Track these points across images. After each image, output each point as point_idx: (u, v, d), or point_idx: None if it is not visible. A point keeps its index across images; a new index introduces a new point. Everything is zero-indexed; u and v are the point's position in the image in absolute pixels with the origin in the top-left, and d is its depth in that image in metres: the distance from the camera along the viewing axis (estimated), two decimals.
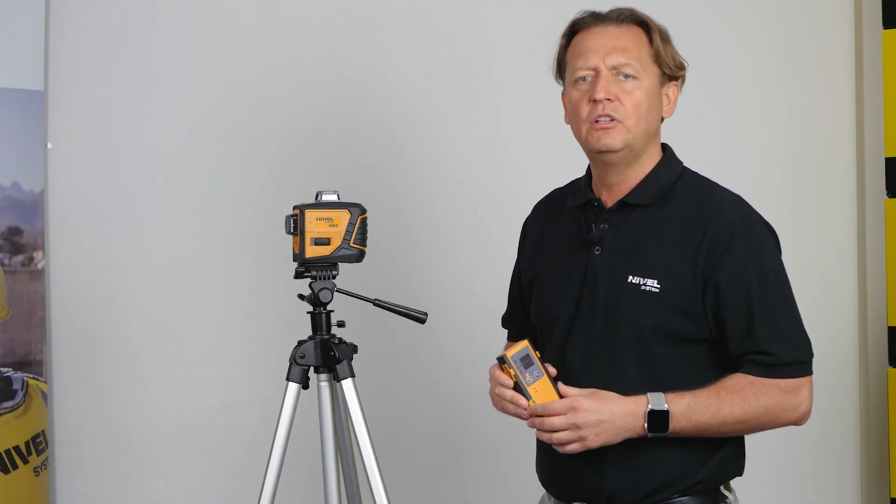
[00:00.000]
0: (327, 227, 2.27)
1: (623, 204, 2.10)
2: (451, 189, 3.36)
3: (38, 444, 3.15)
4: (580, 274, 2.10)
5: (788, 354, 2.01)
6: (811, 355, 2.05)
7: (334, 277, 2.30)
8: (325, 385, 2.34)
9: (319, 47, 3.33)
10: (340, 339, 2.33)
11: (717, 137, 3.37)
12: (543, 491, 2.21)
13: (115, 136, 3.30)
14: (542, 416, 1.98)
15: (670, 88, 2.13)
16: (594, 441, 1.97)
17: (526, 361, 2.01)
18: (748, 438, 2.12)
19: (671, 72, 2.11)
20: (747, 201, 2.11)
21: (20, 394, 3.11)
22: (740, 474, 2.13)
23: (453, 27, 3.37)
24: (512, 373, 2.00)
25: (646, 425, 1.96)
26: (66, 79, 3.27)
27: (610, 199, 2.12)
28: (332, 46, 3.34)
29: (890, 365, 3.08)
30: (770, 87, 3.41)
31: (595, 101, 2.05)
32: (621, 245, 2.07)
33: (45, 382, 3.20)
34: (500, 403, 2.05)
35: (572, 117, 2.12)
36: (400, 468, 3.03)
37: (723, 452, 2.07)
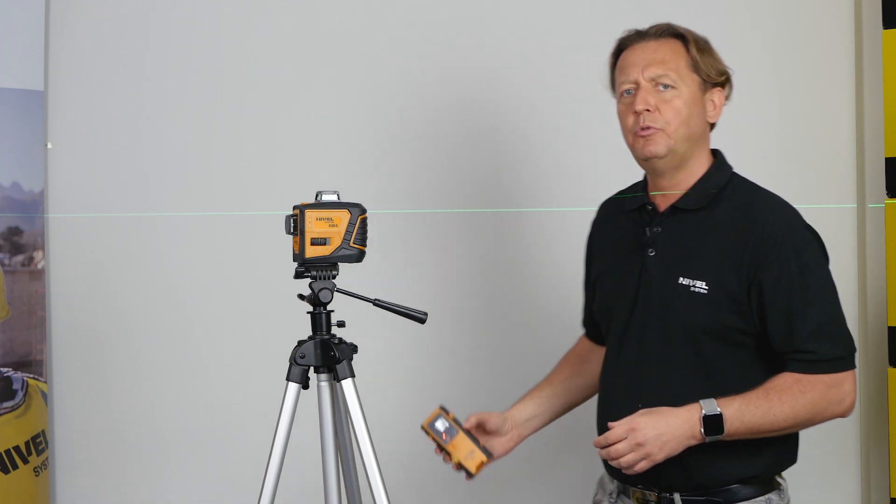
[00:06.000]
0: (327, 227, 2.27)
1: (674, 208, 2.21)
2: (451, 189, 3.36)
3: (38, 444, 3.15)
4: (636, 275, 2.21)
5: (829, 351, 2.11)
6: (852, 350, 2.16)
7: (334, 277, 2.30)
8: (325, 385, 2.34)
9: (319, 46, 3.33)
10: (340, 339, 2.33)
11: (717, 137, 3.35)
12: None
13: (115, 136, 3.30)
14: (605, 446, 2.09)
15: (714, 94, 2.24)
16: (659, 455, 2.07)
17: (441, 425, 2.28)
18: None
19: (710, 78, 2.23)
20: (791, 206, 2.21)
21: (20, 394, 3.11)
22: (794, 462, 2.24)
23: (456, 26, 3.36)
24: (431, 437, 2.27)
25: (702, 430, 2.05)
26: (66, 79, 3.27)
27: (663, 202, 2.23)
28: (332, 45, 3.33)
29: (890, 365, 3.07)
30: (770, 86, 3.40)
31: (637, 112, 2.18)
32: (673, 248, 2.19)
33: (45, 382, 3.20)
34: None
35: (622, 129, 2.24)
36: (400, 468, 3.03)
37: (777, 447, 2.17)
